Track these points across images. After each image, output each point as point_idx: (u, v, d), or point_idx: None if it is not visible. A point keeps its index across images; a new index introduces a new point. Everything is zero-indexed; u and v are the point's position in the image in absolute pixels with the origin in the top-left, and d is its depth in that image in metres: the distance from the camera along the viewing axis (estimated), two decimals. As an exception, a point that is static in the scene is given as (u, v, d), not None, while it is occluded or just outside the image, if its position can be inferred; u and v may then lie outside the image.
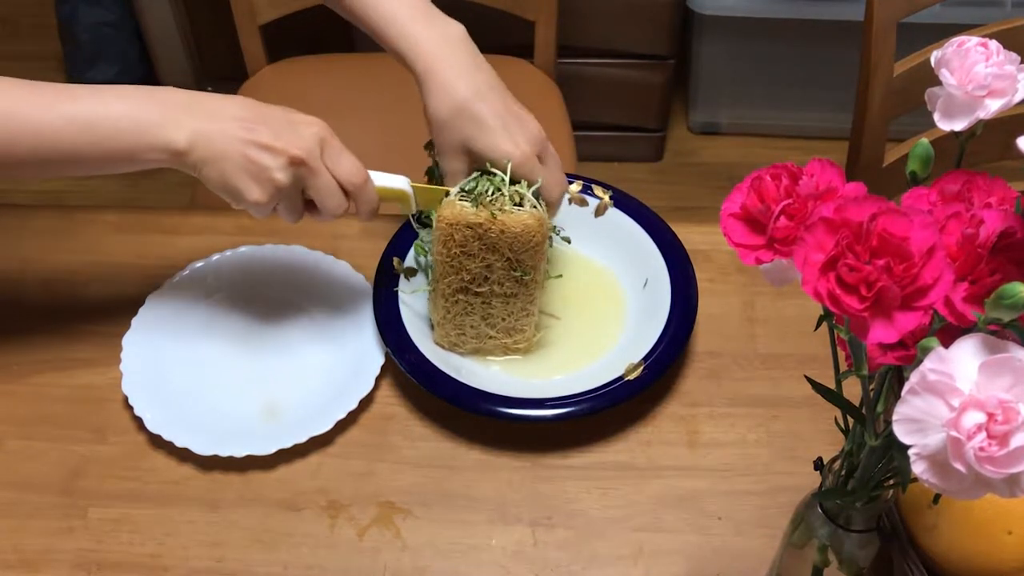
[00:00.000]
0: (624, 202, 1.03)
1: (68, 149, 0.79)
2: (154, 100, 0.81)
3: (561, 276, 0.99)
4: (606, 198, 1.03)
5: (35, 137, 0.78)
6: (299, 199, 0.85)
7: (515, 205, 0.87)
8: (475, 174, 0.89)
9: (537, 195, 0.89)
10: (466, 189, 0.88)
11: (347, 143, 0.80)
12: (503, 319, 0.93)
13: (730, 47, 2.04)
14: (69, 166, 0.81)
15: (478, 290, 0.91)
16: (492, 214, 0.86)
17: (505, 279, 0.90)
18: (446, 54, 0.87)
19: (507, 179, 0.87)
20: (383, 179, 0.89)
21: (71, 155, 0.80)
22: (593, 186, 1.04)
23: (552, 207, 0.91)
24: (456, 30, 0.89)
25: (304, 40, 1.72)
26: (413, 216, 0.94)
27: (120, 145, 0.80)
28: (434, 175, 0.96)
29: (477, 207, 0.86)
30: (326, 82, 1.53)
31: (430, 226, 0.92)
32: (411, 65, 0.88)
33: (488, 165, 0.88)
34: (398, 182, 0.90)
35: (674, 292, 0.96)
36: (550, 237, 0.92)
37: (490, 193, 0.87)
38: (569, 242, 0.97)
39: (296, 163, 0.82)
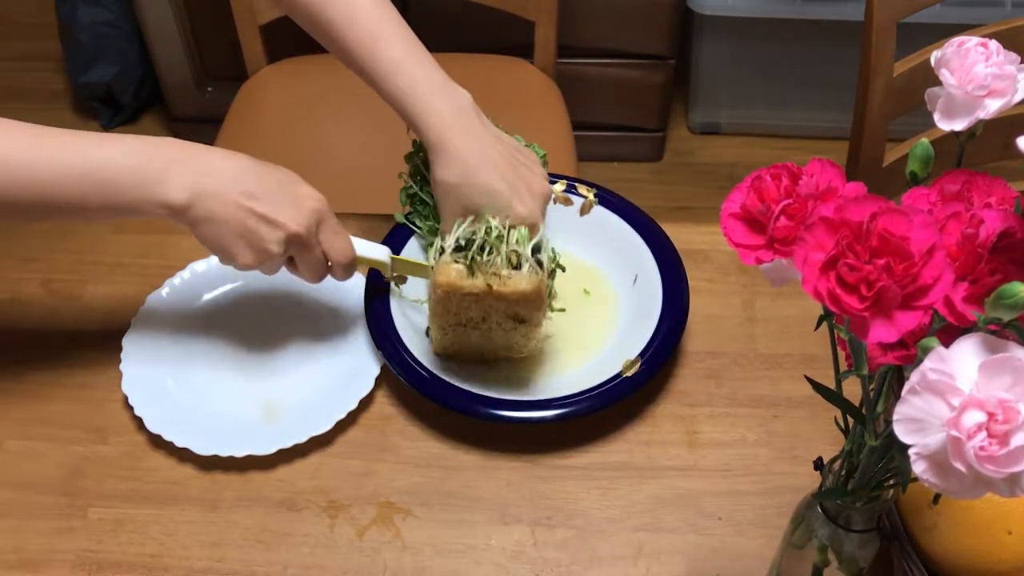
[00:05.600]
0: (609, 199, 1.03)
1: (70, 198, 0.80)
2: (157, 155, 0.81)
3: (564, 310, 0.97)
4: (591, 196, 1.03)
5: (38, 185, 0.79)
6: (282, 262, 0.88)
7: (512, 267, 0.86)
8: (469, 219, 0.89)
9: (538, 248, 0.88)
10: (461, 242, 0.87)
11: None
12: (503, 343, 0.92)
13: (730, 47, 2.04)
14: (69, 214, 0.82)
15: (476, 327, 0.90)
16: (488, 284, 0.85)
17: (504, 321, 0.89)
18: (457, 124, 0.91)
19: (505, 234, 0.87)
20: (365, 249, 0.92)
21: (72, 204, 0.80)
22: (577, 185, 1.04)
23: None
24: (465, 100, 0.93)
25: (304, 40, 1.71)
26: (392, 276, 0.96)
27: (121, 198, 0.81)
28: (411, 200, 0.99)
29: (472, 272, 0.85)
30: (326, 82, 1.53)
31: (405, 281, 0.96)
32: (424, 134, 0.91)
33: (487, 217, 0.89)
34: (379, 253, 0.94)
35: (665, 286, 0.96)
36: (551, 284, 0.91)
37: (485, 253, 0.86)
38: (564, 271, 0.94)
39: (292, 239, 0.84)
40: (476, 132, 0.91)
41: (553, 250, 0.92)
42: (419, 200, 0.98)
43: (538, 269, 0.86)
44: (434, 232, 0.96)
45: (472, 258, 0.85)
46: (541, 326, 0.91)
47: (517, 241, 0.86)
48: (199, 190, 0.81)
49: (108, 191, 0.80)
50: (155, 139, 0.83)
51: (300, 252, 0.86)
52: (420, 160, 0.98)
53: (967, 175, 0.56)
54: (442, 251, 0.87)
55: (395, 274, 0.96)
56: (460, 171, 0.90)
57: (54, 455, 0.90)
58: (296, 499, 0.87)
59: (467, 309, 0.88)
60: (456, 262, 0.86)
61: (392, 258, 0.94)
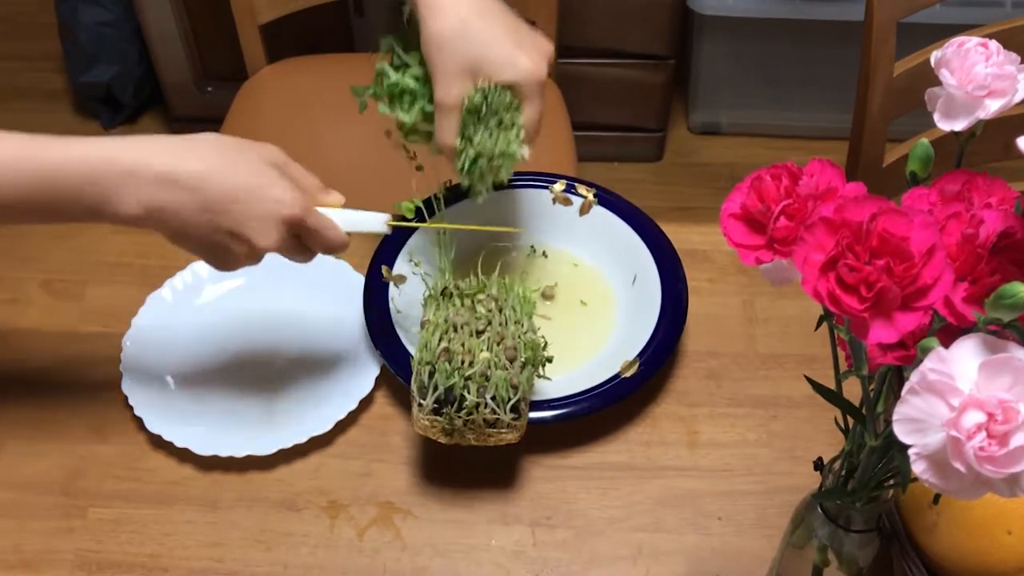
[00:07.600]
0: (608, 200, 1.03)
1: (32, 201, 0.75)
2: (113, 165, 0.75)
3: (552, 360, 0.89)
4: (590, 196, 1.03)
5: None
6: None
7: (488, 426, 0.82)
8: (438, 381, 0.81)
9: (517, 405, 0.82)
10: (440, 396, 0.81)
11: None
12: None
13: (730, 47, 2.04)
14: (33, 217, 0.78)
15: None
16: (468, 440, 0.83)
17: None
18: None
19: (486, 398, 0.81)
20: (362, 223, 0.85)
21: (35, 207, 0.76)
22: (577, 185, 1.04)
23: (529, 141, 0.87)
24: None
25: (304, 40, 1.71)
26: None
27: (81, 207, 0.76)
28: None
29: (451, 434, 0.82)
30: (326, 82, 1.53)
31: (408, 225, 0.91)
32: None
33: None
34: (376, 225, 0.86)
35: (664, 286, 0.96)
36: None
37: (464, 415, 0.81)
38: (551, 361, 0.88)
39: (265, 251, 0.78)
40: None
41: (543, 339, 0.87)
42: (399, 90, 0.88)
43: (515, 424, 0.82)
44: (416, 132, 0.87)
45: (451, 418, 0.81)
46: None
47: (494, 399, 0.81)
48: (154, 205, 0.75)
49: (62, 198, 0.75)
50: (119, 143, 0.76)
51: (281, 254, 0.81)
52: (400, 41, 0.88)
53: (967, 175, 0.56)
54: (420, 406, 0.82)
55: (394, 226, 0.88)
56: (456, 18, 0.79)
57: (54, 455, 0.90)
58: (296, 499, 0.87)
59: None
60: (434, 425, 0.82)
61: (390, 224, 0.86)
